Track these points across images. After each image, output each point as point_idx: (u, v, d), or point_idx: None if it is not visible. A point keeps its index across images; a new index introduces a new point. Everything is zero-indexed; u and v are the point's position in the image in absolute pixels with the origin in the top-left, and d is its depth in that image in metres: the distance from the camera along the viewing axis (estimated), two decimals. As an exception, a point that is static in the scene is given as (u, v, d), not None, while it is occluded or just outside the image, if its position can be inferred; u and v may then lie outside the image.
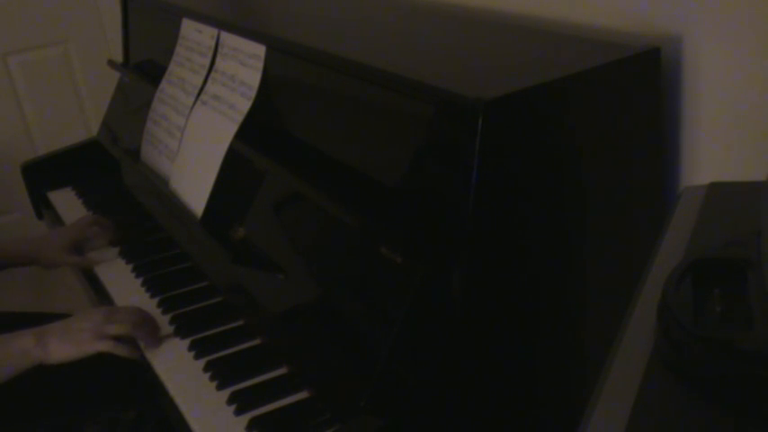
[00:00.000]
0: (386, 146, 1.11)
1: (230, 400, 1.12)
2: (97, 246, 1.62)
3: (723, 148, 1.12)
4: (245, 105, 1.38)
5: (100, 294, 1.51)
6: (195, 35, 1.60)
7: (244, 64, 1.41)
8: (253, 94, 1.37)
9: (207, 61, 1.54)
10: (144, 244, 1.62)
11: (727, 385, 0.58)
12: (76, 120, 2.97)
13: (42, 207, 1.97)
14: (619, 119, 1.10)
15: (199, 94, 1.54)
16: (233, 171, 1.40)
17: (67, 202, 1.90)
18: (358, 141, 1.18)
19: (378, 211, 1.08)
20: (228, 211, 1.41)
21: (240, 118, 1.38)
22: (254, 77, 1.38)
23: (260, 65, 1.37)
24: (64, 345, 1.19)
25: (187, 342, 1.27)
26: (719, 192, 0.86)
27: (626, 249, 1.16)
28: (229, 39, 1.48)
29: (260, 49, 1.37)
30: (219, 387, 1.16)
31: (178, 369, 1.22)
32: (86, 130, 2.88)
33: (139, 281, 1.48)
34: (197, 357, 1.23)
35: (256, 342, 1.26)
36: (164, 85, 1.68)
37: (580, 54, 1.12)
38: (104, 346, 1.21)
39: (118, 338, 1.23)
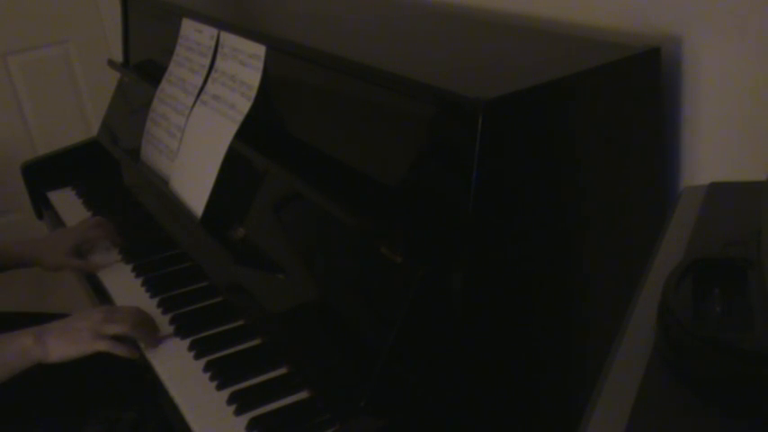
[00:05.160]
0: (386, 146, 1.11)
1: (230, 400, 1.12)
2: (99, 249, 1.62)
3: (723, 148, 1.12)
4: (245, 105, 1.38)
5: (100, 294, 1.51)
6: (195, 35, 1.60)
7: (244, 64, 1.41)
8: (253, 94, 1.37)
9: (207, 61, 1.53)
10: (144, 244, 1.62)
11: (727, 385, 0.58)
12: (76, 120, 2.97)
13: (42, 207, 1.97)
14: (619, 119, 1.10)
15: (199, 94, 1.54)
16: (233, 171, 1.40)
17: (67, 202, 1.90)
18: (358, 141, 1.18)
19: (378, 211, 1.08)
20: (228, 211, 1.41)
21: (240, 118, 1.38)
22: (254, 77, 1.38)
23: (260, 65, 1.37)
24: (63, 344, 1.19)
25: (187, 342, 1.27)
26: (719, 192, 0.86)
27: (626, 249, 1.15)
28: (229, 39, 1.48)
29: (260, 49, 1.37)
30: (219, 387, 1.16)
31: (178, 369, 1.22)
32: (86, 130, 2.88)
33: (139, 281, 1.48)
34: (197, 357, 1.23)
35: (256, 342, 1.26)
36: (164, 85, 1.68)
37: (580, 54, 1.12)
38: (103, 346, 1.21)
39: (117, 338, 1.23)
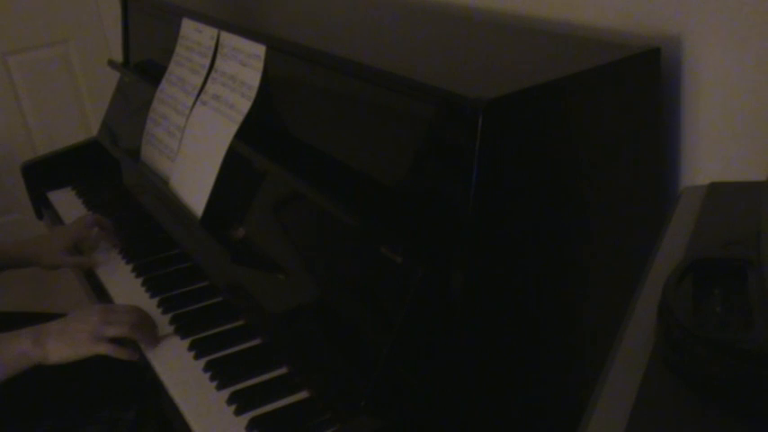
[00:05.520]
0: (386, 146, 1.11)
1: (230, 400, 1.12)
2: (97, 246, 1.62)
3: (723, 148, 1.13)
4: (245, 105, 1.38)
5: (100, 294, 1.51)
6: (195, 35, 1.60)
7: (244, 64, 1.41)
8: (253, 94, 1.37)
9: (207, 61, 1.54)
10: (144, 244, 1.62)
11: (727, 385, 0.58)
12: (76, 120, 2.97)
13: (42, 207, 1.97)
14: (619, 119, 1.10)
15: (199, 94, 1.54)
16: (233, 171, 1.40)
17: (67, 202, 1.91)
18: (358, 141, 1.18)
19: (378, 211, 1.08)
20: (228, 211, 1.41)
21: (240, 118, 1.38)
22: (254, 77, 1.38)
23: (260, 65, 1.37)
24: (62, 346, 1.18)
25: (187, 342, 1.27)
26: (719, 192, 0.86)
27: (626, 249, 1.16)
28: (229, 39, 1.48)
29: (260, 49, 1.37)
30: (219, 387, 1.16)
31: (178, 369, 1.22)
32: (86, 130, 2.88)
33: (139, 281, 1.48)
34: (197, 357, 1.23)
35: (256, 342, 1.26)
36: (164, 85, 1.68)
37: (580, 54, 1.12)
38: (103, 349, 1.20)
39: (116, 340, 1.23)
